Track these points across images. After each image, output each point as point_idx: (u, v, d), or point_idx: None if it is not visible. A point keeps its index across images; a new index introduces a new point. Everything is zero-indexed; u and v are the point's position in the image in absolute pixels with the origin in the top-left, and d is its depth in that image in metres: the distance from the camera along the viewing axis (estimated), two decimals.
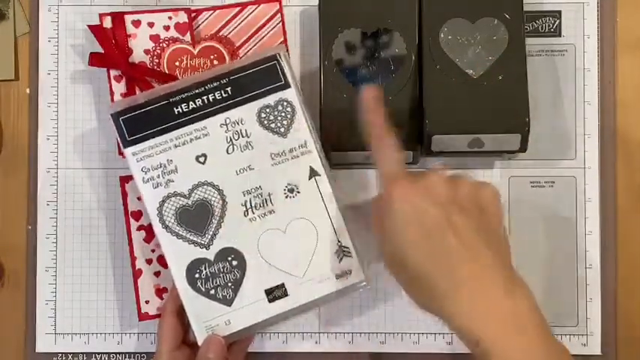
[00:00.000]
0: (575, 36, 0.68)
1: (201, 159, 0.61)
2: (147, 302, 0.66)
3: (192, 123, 0.61)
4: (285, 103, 0.61)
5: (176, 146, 0.61)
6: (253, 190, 0.61)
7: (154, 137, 0.61)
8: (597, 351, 0.67)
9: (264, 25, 0.67)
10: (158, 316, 0.64)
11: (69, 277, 0.67)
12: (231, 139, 0.61)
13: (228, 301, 0.60)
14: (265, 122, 0.61)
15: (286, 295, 0.60)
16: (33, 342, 0.67)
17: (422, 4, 0.64)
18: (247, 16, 0.67)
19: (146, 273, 0.66)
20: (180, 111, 0.61)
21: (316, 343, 0.67)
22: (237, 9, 0.68)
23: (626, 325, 0.67)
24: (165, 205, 0.61)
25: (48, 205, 0.67)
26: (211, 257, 0.61)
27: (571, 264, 0.67)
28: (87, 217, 0.67)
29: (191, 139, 0.61)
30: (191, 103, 0.61)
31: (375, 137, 0.57)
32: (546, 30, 0.68)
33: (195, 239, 0.61)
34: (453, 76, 0.63)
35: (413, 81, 0.63)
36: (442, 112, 0.62)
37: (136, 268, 0.66)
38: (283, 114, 0.61)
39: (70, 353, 0.67)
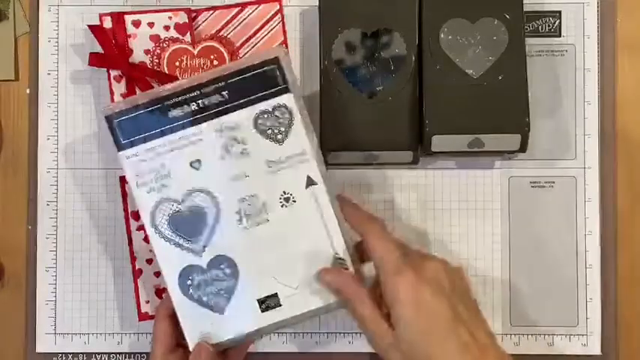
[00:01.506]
0: (575, 36, 0.68)
1: (196, 165, 0.59)
2: (147, 302, 0.66)
3: (187, 127, 0.59)
4: (283, 109, 0.59)
5: (170, 151, 0.59)
6: (248, 198, 0.59)
7: (148, 141, 0.59)
8: (597, 351, 0.67)
9: (264, 25, 0.67)
10: None
11: (69, 277, 0.67)
12: (226, 146, 0.59)
13: (220, 309, 0.59)
14: (262, 128, 0.59)
15: (279, 305, 0.59)
16: (33, 342, 0.67)
17: (422, 4, 0.64)
18: (247, 17, 0.67)
19: (146, 273, 0.66)
20: (175, 115, 0.59)
21: (316, 343, 0.67)
22: (237, 9, 0.67)
23: (626, 324, 0.67)
24: (159, 209, 0.59)
25: (48, 205, 0.67)
26: (204, 264, 0.59)
27: (571, 264, 0.67)
28: (87, 217, 0.67)
29: (185, 145, 0.59)
30: (186, 106, 0.59)
31: (364, 231, 0.57)
32: (546, 30, 0.68)
33: (187, 246, 0.59)
34: (453, 76, 0.63)
35: (413, 81, 0.63)
36: (442, 112, 0.62)
37: (136, 268, 0.66)
38: (281, 120, 0.59)
39: (70, 353, 0.67)
